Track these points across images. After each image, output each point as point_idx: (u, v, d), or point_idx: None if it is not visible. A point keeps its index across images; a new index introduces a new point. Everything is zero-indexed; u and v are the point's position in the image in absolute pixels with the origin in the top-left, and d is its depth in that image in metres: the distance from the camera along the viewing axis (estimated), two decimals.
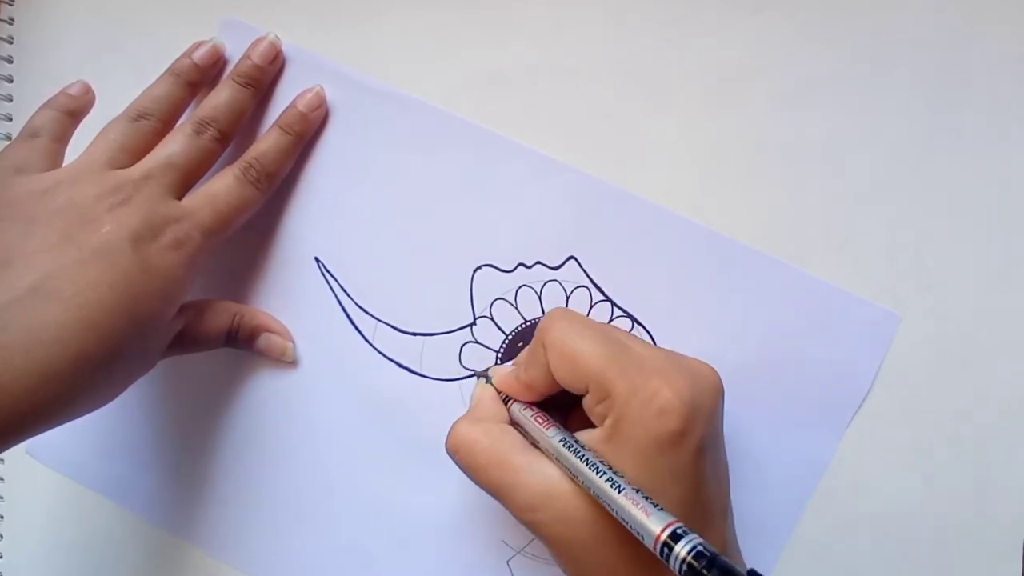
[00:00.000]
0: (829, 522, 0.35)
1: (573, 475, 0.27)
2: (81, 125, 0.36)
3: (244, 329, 0.36)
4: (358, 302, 0.37)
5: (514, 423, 0.31)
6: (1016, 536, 0.34)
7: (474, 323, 0.36)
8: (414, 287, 0.36)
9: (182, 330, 0.34)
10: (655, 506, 0.25)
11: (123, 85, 0.38)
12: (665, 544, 0.24)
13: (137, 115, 0.34)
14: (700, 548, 0.23)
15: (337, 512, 0.38)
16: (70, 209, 0.30)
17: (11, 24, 0.39)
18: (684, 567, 0.23)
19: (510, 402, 0.31)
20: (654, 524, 0.24)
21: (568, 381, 0.29)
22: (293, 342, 0.37)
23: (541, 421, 0.29)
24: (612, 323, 0.35)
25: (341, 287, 0.37)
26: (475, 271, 0.36)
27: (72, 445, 0.41)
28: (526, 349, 0.31)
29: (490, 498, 0.29)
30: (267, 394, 0.38)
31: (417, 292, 0.36)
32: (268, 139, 0.35)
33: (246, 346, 0.37)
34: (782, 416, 0.34)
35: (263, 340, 0.37)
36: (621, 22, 0.35)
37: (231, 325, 0.36)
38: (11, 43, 0.39)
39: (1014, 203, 0.33)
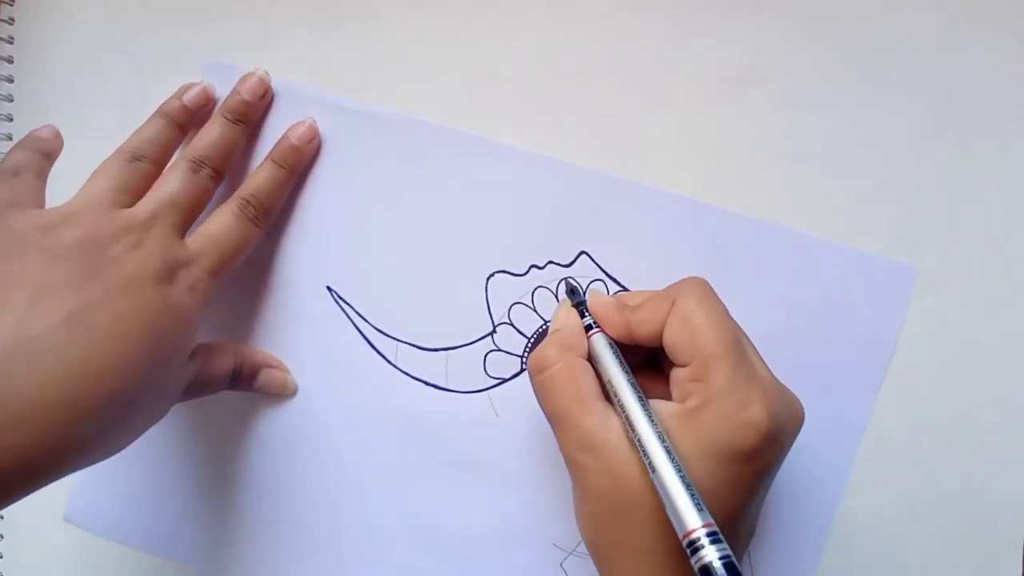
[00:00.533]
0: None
1: (631, 431, 0.27)
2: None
3: (246, 368, 0.36)
4: (376, 325, 0.37)
5: (591, 356, 0.30)
6: (1016, 536, 0.34)
7: (494, 331, 0.36)
8: (430, 303, 0.36)
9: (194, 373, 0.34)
10: (701, 502, 0.24)
11: (123, 85, 0.38)
12: (696, 541, 0.23)
13: (132, 157, 0.33)
14: (732, 561, 0.23)
15: (381, 537, 0.37)
16: (87, 247, 0.30)
17: (11, 24, 0.39)
18: (720, 569, 0.22)
19: (591, 332, 0.30)
20: (695, 517, 0.24)
21: (676, 347, 0.28)
22: (291, 374, 0.37)
23: (622, 365, 0.29)
24: None
25: (357, 313, 0.37)
26: (488, 279, 0.36)
27: (99, 500, 0.39)
28: (645, 295, 0.31)
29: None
30: (293, 431, 0.37)
31: (434, 307, 0.36)
32: (262, 174, 0.35)
33: (248, 386, 0.36)
34: (813, 384, 0.34)
35: (263, 376, 0.36)
36: (621, 22, 0.35)
37: (235, 366, 0.36)
38: (11, 43, 0.39)
39: (1014, 203, 0.33)
